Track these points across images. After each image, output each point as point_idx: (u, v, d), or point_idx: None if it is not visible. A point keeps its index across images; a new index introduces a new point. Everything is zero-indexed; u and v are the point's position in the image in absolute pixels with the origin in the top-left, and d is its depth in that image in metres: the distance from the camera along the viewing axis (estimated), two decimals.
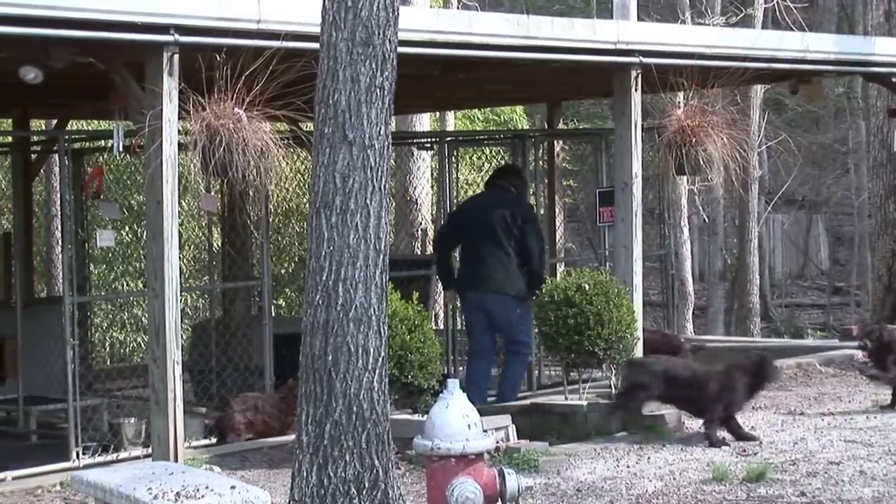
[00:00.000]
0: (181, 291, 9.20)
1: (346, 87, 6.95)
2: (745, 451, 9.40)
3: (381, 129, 7.01)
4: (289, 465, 7.48)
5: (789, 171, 29.39)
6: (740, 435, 9.71)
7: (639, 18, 12.46)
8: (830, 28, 30.39)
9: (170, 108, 8.85)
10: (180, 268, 9.35)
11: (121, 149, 9.37)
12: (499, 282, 11.59)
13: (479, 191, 15.81)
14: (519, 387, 12.18)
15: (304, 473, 6.99)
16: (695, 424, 10.42)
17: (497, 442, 8.95)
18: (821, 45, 13.49)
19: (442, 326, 14.04)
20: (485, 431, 7.42)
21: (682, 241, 23.33)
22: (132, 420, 10.71)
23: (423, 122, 19.41)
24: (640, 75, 11.41)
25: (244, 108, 8.95)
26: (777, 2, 23.56)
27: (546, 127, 16.51)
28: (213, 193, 12.04)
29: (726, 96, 15.21)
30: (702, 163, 11.63)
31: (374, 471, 6.99)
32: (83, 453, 10.11)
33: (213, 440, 10.59)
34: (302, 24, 8.96)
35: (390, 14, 7.02)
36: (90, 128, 16.62)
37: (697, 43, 11.91)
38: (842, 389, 12.04)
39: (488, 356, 11.93)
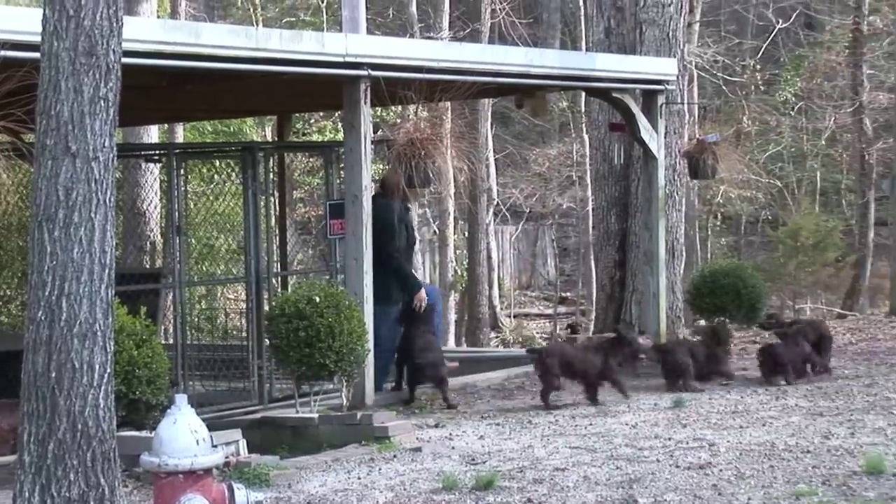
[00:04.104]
0: None
1: (68, 98, 6.79)
2: (474, 460, 9.54)
3: (105, 140, 6.88)
4: (10, 486, 7.26)
5: (517, 184, 30.01)
6: None
7: (369, 32, 12.56)
8: (554, 44, 31.14)
9: None
10: None
11: None
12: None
13: (216, 202, 15.64)
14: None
15: (27, 494, 6.80)
16: (426, 435, 10.53)
17: (227, 457, 8.84)
18: (544, 60, 13.83)
19: (171, 341, 13.85)
20: (214, 446, 7.35)
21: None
22: None
23: (152, 133, 19.14)
24: (369, 88, 11.49)
25: None
26: (503, 17, 24.05)
27: (276, 139, 16.46)
28: None
29: (455, 109, 15.44)
30: (431, 175, 11.78)
31: (101, 489, 6.84)
32: None
33: None
34: (22, 32, 8.74)
35: (114, 24, 6.89)
36: None
37: (426, 56, 12.07)
38: (567, 397, 12.32)
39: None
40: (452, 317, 26.63)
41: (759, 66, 30.39)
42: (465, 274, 26.50)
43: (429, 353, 11.94)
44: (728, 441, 9.85)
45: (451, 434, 10.60)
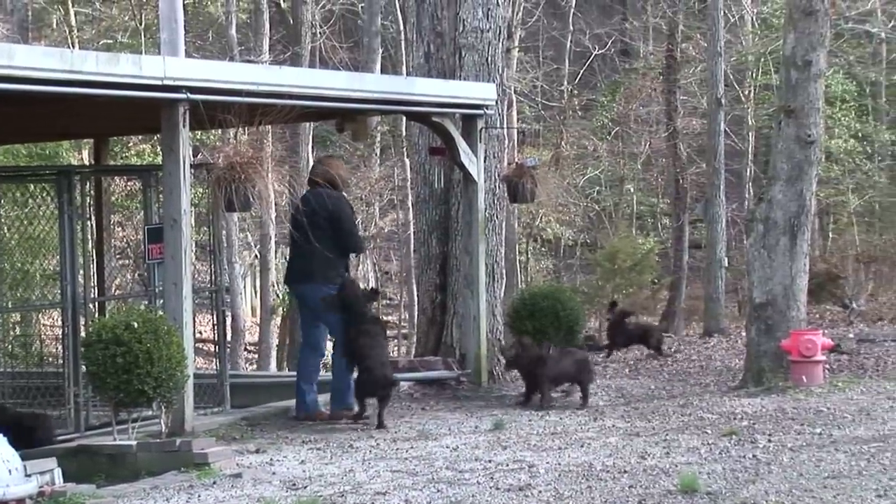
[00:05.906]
0: None
1: None
2: (295, 485, 9.50)
3: None
4: None
5: None
6: None
7: (188, 55, 12.45)
8: (375, 68, 31.21)
9: None
10: None
11: None
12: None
13: (31, 227, 15.36)
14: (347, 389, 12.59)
15: None
16: (247, 461, 10.45)
17: (41, 486, 8.69)
18: (364, 84, 13.87)
19: None
20: (28, 476, 7.23)
21: (234, 276, 23.41)
22: None
23: None
24: (188, 111, 11.39)
25: None
26: (323, 41, 24.06)
27: (94, 162, 16.21)
28: None
29: (276, 133, 15.40)
30: (251, 199, 11.72)
31: None
32: None
33: None
34: None
35: None
36: None
37: (246, 80, 12.01)
38: (389, 420, 12.33)
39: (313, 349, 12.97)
40: (274, 341, 26.48)
41: (576, 92, 30.91)
42: (286, 298, 26.37)
43: (383, 367, 12.22)
44: (547, 462, 9.96)
45: (271, 459, 10.54)
